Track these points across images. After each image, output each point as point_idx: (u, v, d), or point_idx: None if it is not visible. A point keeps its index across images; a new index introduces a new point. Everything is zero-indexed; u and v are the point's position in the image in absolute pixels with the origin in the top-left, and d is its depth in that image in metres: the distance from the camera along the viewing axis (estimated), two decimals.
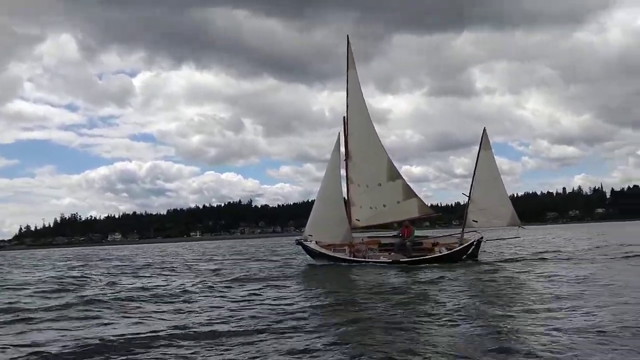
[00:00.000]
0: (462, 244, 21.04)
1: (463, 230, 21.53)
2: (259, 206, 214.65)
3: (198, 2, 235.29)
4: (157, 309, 11.06)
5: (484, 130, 21.54)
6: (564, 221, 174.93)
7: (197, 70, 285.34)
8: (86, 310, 11.08)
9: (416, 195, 22.76)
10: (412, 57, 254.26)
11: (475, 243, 21.00)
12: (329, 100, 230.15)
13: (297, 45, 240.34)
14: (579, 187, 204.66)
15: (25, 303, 12.50)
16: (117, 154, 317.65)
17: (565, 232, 61.70)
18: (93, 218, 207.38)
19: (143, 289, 14.98)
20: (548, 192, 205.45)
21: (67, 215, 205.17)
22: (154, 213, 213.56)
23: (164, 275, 20.40)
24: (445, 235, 23.02)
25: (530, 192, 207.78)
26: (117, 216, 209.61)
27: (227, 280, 16.80)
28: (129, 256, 44.53)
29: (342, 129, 22.98)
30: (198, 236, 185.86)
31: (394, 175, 22.89)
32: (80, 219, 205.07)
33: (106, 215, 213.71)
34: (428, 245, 21.68)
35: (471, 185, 21.45)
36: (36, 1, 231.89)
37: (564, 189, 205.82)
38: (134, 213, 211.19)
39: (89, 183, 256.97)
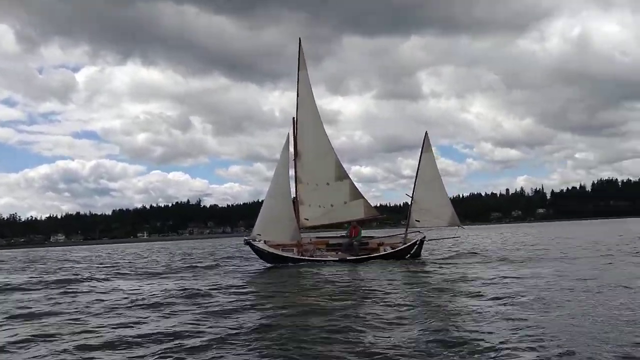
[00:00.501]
0: (405, 243, 21.92)
1: (407, 229, 22.35)
2: (208, 206, 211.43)
3: None
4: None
5: (426, 133, 22.45)
6: (507, 221, 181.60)
7: (143, 66, 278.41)
8: (130, 310, 10.89)
9: (362, 196, 23.33)
10: (362, 59, 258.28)
11: (417, 243, 21.91)
12: (280, 100, 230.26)
13: (248, 44, 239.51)
14: (522, 189, 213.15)
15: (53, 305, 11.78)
16: (58, 152, 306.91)
17: (517, 231, 64.20)
18: (34, 218, 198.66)
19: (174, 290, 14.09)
20: (492, 193, 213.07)
21: (5, 216, 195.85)
22: (98, 213, 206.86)
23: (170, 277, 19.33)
24: (390, 236, 23.77)
25: (475, 192, 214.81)
26: (59, 216, 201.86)
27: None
28: (90, 257, 42.49)
29: (292, 128, 23.30)
30: (145, 237, 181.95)
31: (342, 175, 23.42)
32: (19, 219, 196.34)
33: (47, 215, 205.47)
34: (374, 245, 22.44)
35: (414, 186, 22.32)
36: None
37: (507, 190, 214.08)
38: (78, 213, 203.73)
39: (28, 182, 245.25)
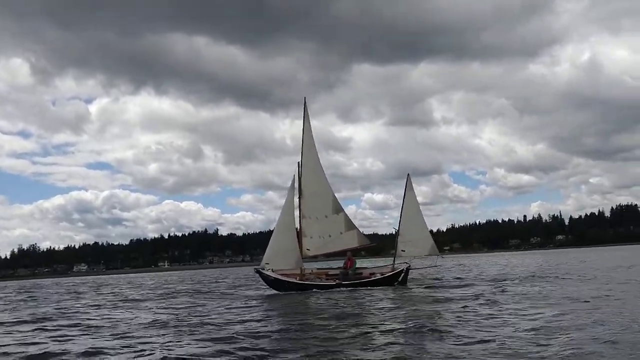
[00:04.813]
0: (392, 271, 24.76)
1: (394, 259, 25.31)
2: (226, 234, 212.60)
3: (155, 28, 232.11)
4: None
5: (408, 175, 25.96)
6: (526, 248, 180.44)
7: (155, 96, 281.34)
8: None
9: (356, 227, 26.84)
10: (372, 86, 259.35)
11: (404, 271, 24.63)
12: (290, 128, 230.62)
13: (259, 73, 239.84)
14: (539, 215, 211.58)
15: None
16: (72, 183, 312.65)
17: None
18: (53, 249, 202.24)
19: None
20: (509, 220, 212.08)
21: (25, 246, 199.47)
22: (112, 243, 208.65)
23: None
24: (381, 266, 26.89)
25: (490, 219, 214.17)
26: (76, 247, 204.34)
27: None
28: (162, 285, 43.72)
29: (297, 171, 26.85)
30: (166, 266, 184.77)
31: (338, 208, 26.99)
32: (39, 249, 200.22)
33: (61, 245, 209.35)
34: (367, 275, 25.57)
35: (399, 220, 25.49)
36: None
37: (524, 216, 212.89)
38: (95, 243, 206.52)
39: (42, 213, 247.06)
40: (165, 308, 19.66)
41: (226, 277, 53.14)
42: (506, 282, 23.92)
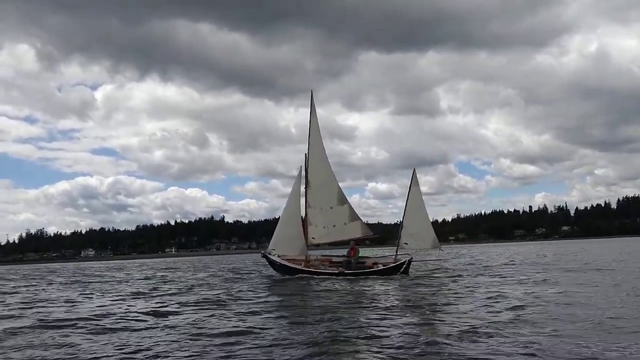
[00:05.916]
0: (395, 262, 25.36)
1: (397, 251, 26.00)
2: (232, 222, 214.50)
3: (160, 14, 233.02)
4: None
5: (414, 171, 26.59)
6: (531, 239, 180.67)
7: (160, 83, 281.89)
8: None
9: (360, 218, 27.56)
10: (378, 75, 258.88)
11: (406, 262, 25.30)
12: (295, 117, 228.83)
13: (264, 60, 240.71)
14: (545, 206, 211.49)
15: None
16: (77, 169, 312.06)
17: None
18: (60, 234, 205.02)
19: None
20: (515, 210, 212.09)
21: (32, 231, 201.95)
22: (118, 229, 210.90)
23: None
24: (385, 256, 27.55)
25: (496, 210, 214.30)
26: (82, 232, 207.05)
27: None
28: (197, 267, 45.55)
29: (304, 162, 27.55)
30: (174, 252, 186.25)
31: (343, 200, 27.65)
32: (46, 234, 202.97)
33: (67, 231, 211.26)
34: (370, 264, 26.18)
35: (404, 214, 26.10)
36: None
37: (530, 207, 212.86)
38: (102, 229, 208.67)
39: (47, 198, 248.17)
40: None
41: (251, 262, 54.62)
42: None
